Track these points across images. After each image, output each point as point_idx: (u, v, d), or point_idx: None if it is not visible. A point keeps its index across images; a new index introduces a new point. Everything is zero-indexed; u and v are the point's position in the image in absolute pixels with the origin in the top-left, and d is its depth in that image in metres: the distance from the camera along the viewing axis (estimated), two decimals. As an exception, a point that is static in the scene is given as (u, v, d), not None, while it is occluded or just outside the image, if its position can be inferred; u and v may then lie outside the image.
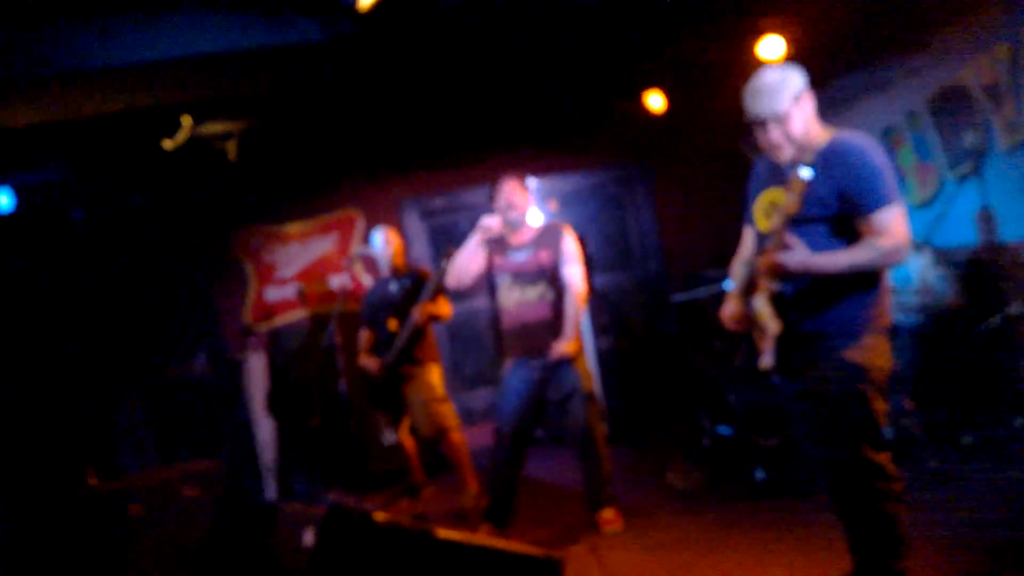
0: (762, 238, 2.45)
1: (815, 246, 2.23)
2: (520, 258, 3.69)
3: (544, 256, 3.66)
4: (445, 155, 6.03)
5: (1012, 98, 4.09)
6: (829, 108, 5.68)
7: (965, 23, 4.32)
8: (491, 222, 3.69)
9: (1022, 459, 3.58)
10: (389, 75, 4.53)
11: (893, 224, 2.22)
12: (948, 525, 2.95)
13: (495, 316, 3.77)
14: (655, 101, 5.51)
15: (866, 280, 2.29)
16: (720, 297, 4.75)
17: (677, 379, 5.65)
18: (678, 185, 6.24)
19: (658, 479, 4.24)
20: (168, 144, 4.41)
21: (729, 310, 2.53)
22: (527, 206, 3.78)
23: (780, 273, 2.25)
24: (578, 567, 3.16)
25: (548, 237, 3.71)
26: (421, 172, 6.10)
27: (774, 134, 2.34)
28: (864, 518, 2.32)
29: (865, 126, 5.22)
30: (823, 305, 2.31)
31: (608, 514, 3.63)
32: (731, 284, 2.69)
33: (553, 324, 3.60)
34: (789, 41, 4.58)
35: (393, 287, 4.52)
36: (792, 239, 2.21)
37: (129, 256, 5.36)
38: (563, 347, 3.54)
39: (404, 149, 5.92)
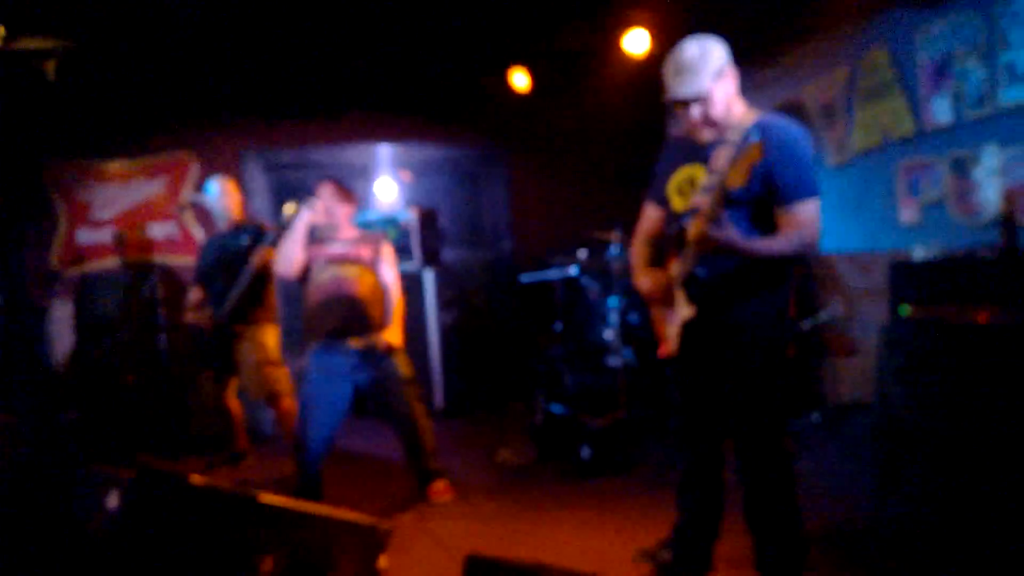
0: (675, 216, 2.36)
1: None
2: (340, 248, 3.63)
3: (365, 251, 3.64)
4: (297, 108, 5.69)
5: (844, 119, 4.51)
6: (670, 115, 5.98)
7: (811, 43, 4.69)
8: (316, 207, 3.59)
9: (816, 450, 3.99)
10: (243, 11, 4.21)
11: (813, 216, 2.22)
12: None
13: (304, 299, 3.62)
14: (520, 80, 5.52)
15: (782, 272, 2.29)
16: (564, 281, 4.93)
17: (517, 358, 5.75)
18: (534, 168, 6.32)
19: (491, 454, 4.30)
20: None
21: (654, 281, 2.41)
22: (347, 213, 3.69)
23: (708, 247, 2.13)
24: (406, 536, 3.14)
25: (370, 239, 3.71)
26: (269, 123, 5.74)
27: (695, 113, 2.26)
28: (772, 500, 2.34)
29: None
30: (741, 294, 2.27)
31: (438, 485, 3.64)
32: (635, 259, 2.58)
33: (368, 306, 3.54)
34: (653, 37, 4.76)
35: (231, 242, 4.22)
36: (723, 214, 2.10)
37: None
38: (389, 336, 3.53)
39: (253, 96, 5.51)
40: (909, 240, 4.02)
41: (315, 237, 3.65)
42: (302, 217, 3.55)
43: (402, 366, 3.61)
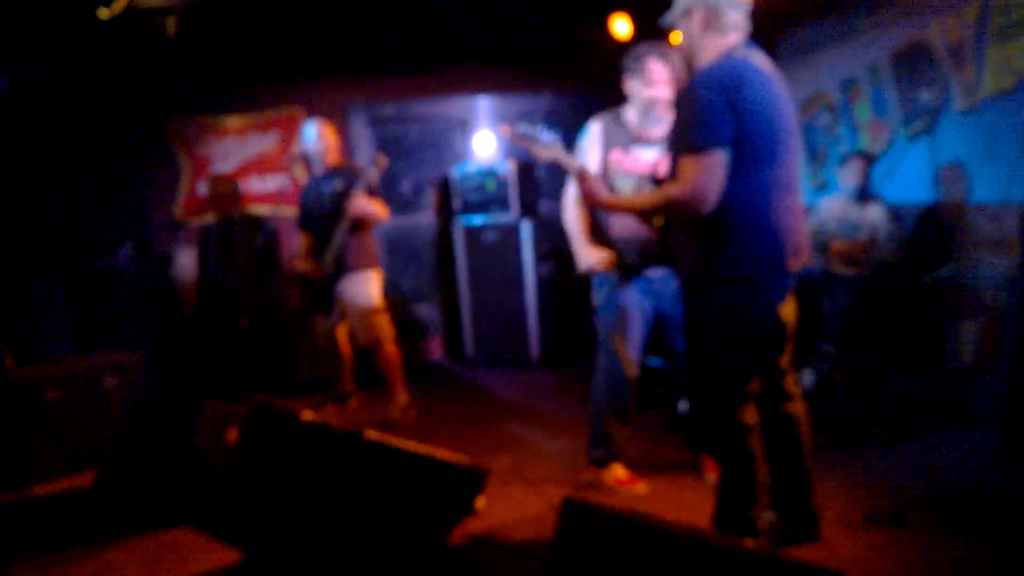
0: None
1: None
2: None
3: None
4: (399, 62, 5.77)
5: (973, 61, 4.15)
6: (794, 54, 5.69)
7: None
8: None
9: (935, 414, 3.79)
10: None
11: (692, 172, 2.10)
12: (854, 469, 3.12)
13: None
14: (620, 27, 5.37)
15: (712, 232, 2.18)
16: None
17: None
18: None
19: (584, 401, 4.31)
20: (104, 13, 4.06)
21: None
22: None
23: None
24: (503, 479, 3.22)
25: None
26: (371, 76, 5.84)
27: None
28: (722, 451, 2.38)
29: (826, 76, 5.25)
30: (678, 253, 2.35)
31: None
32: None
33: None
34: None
35: (326, 187, 4.31)
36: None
37: (58, 135, 5.01)
38: None
39: (357, 51, 5.62)
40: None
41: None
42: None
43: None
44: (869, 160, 4.52)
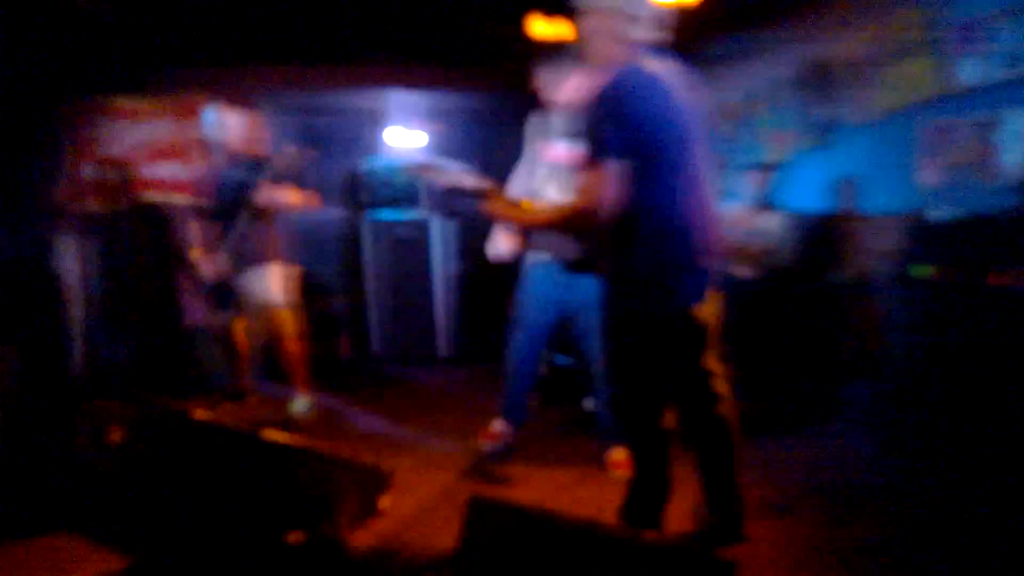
0: None
1: None
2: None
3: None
4: (310, 52, 5.59)
5: (870, 77, 4.39)
6: (702, 66, 5.84)
7: (840, 1, 4.55)
8: None
9: (823, 411, 3.99)
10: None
11: (588, 183, 2.14)
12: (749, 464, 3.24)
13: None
14: (539, 28, 5.39)
15: (620, 236, 2.21)
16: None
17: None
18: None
19: (494, 400, 4.30)
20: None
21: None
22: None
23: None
24: (408, 479, 3.15)
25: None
26: (282, 66, 5.64)
27: None
28: (637, 453, 2.41)
29: (731, 88, 5.45)
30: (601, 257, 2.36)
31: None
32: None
33: None
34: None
35: (231, 174, 4.11)
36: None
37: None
38: None
39: (266, 38, 5.38)
40: (929, 202, 3.96)
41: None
42: None
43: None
44: (769, 171, 4.72)
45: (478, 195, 2.54)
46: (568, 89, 3.08)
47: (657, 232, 2.18)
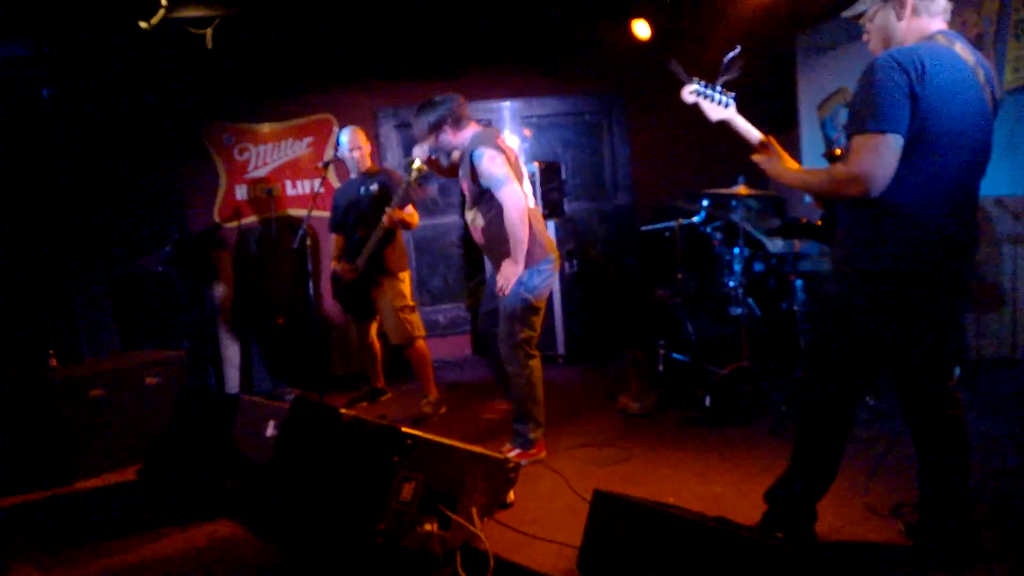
0: None
1: None
2: (461, 183, 3.68)
3: (466, 186, 3.58)
4: (423, 67, 5.90)
5: (992, 55, 4.17)
6: (814, 52, 5.69)
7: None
8: (419, 152, 3.78)
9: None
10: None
11: (859, 153, 2.04)
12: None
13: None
14: (641, 29, 5.45)
15: (876, 221, 2.13)
16: (687, 230, 4.91)
17: (638, 307, 5.80)
18: (655, 118, 6.24)
19: (612, 401, 4.40)
20: (144, 25, 4.22)
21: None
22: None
23: None
24: (533, 474, 3.32)
25: (465, 164, 3.53)
26: (398, 82, 5.98)
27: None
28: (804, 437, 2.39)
29: (845, 73, 5.27)
30: (836, 234, 2.31)
31: (506, 448, 3.54)
32: None
33: (488, 248, 3.59)
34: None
35: (361, 190, 4.49)
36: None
37: (100, 141, 5.20)
38: (502, 273, 3.41)
39: (382, 57, 5.78)
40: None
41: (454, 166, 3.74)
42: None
43: (510, 303, 3.45)
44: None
45: (756, 142, 2.42)
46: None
47: (925, 221, 2.05)
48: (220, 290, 5.44)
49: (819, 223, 4.12)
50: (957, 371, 4.01)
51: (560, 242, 5.64)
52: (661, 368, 4.42)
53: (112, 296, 5.07)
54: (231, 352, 5.37)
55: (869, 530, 2.54)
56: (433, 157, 3.76)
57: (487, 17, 5.35)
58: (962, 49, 2.11)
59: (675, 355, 4.41)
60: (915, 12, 2.13)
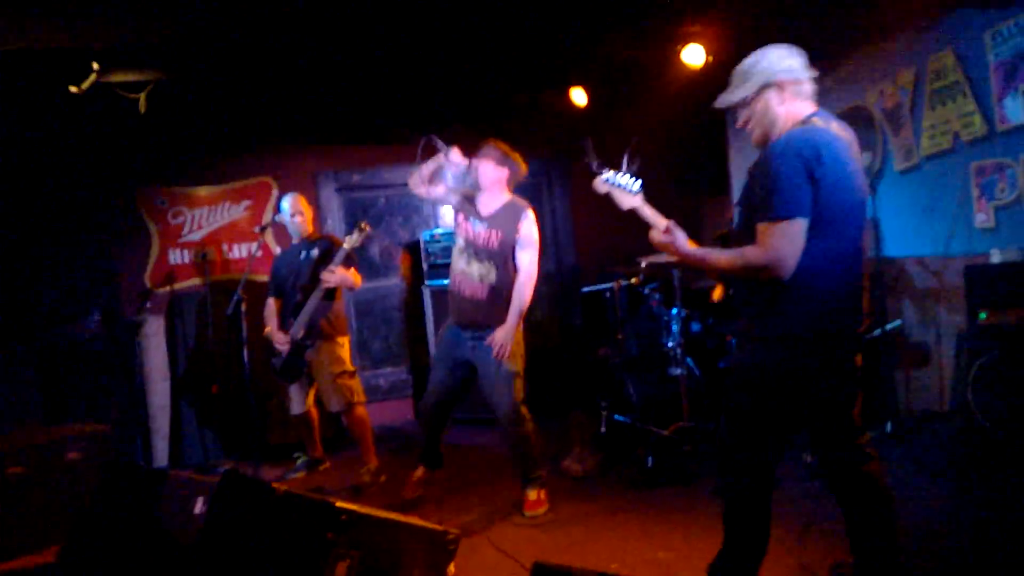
0: None
1: None
2: (477, 229, 3.64)
3: (496, 237, 3.59)
4: (365, 131, 5.95)
5: (910, 124, 4.42)
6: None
7: (873, 49, 4.62)
8: (455, 157, 3.80)
9: (888, 460, 3.90)
10: (312, 41, 4.43)
11: (769, 239, 2.13)
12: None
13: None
14: (578, 96, 5.63)
15: (776, 292, 2.21)
16: (626, 291, 4.98)
17: (581, 367, 5.81)
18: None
19: (555, 463, 4.35)
20: (75, 89, 4.16)
21: None
22: (495, 178, 3.75)
23: None
24: (472, 543, 3.24)
25: (508, 216, 3.61)
26: (339, 146, 6.02)
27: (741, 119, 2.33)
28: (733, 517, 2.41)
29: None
30: (738, 309, 2.42)
31: (532, 495, 3.64)
32: None
33: (487, 306, 3.59)
34: (708, 50, 4.78)
35: (303, 255, 4.45)
36: None
37: (26, 205, 5.05)
38: (501, 337, 3.53)
39: (323, 121, 5.79)
40: (983, 244, 3.92)
41: (465, 201, 3.76)
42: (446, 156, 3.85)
43: (515, 359, 3.59)
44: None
45: (661, 227, 2.54)
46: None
47: (811, 291, 2.13)
48: (150, 358, 5.26)
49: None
50: (888, 427, 4.17)
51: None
52: (603, 429, 4.41)
53: (36, 364, 4.85)
54: (161, 422, 5.16)
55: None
56: (464, 188, 3.85)
57: (430, 82, 5.44)
58: (838, 128, 2.24)
59: (617, 416, 4.41)
60: (785, 99, 2.24)
